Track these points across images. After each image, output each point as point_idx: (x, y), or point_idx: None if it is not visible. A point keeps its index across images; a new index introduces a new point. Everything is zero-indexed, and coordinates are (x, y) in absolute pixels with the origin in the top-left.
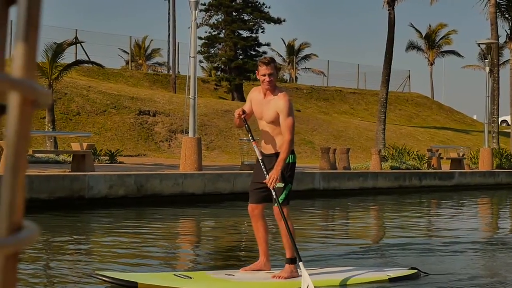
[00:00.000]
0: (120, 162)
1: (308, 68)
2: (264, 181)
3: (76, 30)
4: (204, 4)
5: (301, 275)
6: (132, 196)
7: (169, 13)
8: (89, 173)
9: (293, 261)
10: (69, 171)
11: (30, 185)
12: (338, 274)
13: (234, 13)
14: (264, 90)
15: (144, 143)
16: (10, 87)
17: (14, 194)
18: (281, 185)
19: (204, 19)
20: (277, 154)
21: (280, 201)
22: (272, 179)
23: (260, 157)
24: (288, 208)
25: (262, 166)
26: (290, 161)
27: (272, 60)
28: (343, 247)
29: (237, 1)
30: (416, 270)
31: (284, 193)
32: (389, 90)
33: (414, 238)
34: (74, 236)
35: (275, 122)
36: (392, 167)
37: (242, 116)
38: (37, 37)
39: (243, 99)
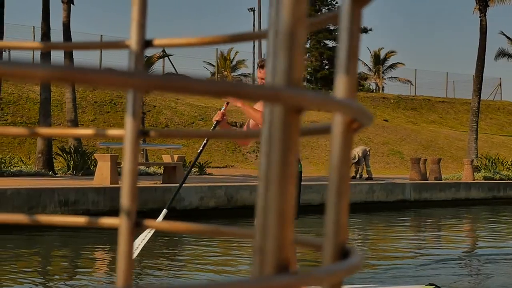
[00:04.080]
0: (209, 174)
1: (394, 77)
2: None
3: None
4: None
5: None
6: (223, 207)
7: (253, 25)
8: None
9: None
10: (160, 183)
11: None
12: None
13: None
14: None
15: (231, 154)
16: (336, 109)
17: (339, 218)
18: None
19: None
20: None
21: None
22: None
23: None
24: None
25: None
26: None
27: None
28: (392, 259)
29: (323, 11)
30: (433, 286)
31: None
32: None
33: (483, 253)
34: (166, 246)
35: None
36: (486, 178)
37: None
38: (356, 66)
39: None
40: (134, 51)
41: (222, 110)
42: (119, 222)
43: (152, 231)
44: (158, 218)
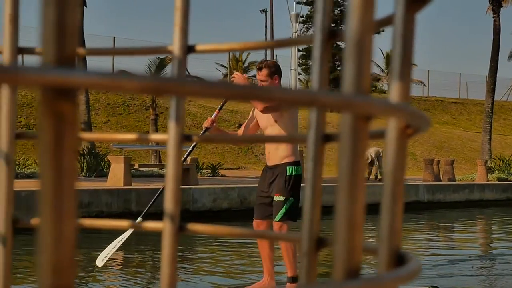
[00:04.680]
0: (222, 175)
1: None
2: (265, 192)
3: None
4: (302, 16)
5: None
6: (236, 209)
7: (266, 26)
8: (193, 186)
9: (294, 280)
10: None
11: (137, 198)
12: None
13: (332, 25)
14: None
15: (244, 156)
16: (390, 113)
17: (394, 222)
18: (281, 198)
19: (302, 31)
20: (280, 165)
21: (280, 215)
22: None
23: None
24: (288, 224)
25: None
26: (293, 173)
27: (265, 65)
28: None
29: (335, 12)
30: None
31: (284, 207)
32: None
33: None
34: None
35: (278, 121)
36: (499, 179)
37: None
38: (410, 73)
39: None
40: (177, 57)
41: (212, 117)
42: (163, 226)
43: (124, 240)
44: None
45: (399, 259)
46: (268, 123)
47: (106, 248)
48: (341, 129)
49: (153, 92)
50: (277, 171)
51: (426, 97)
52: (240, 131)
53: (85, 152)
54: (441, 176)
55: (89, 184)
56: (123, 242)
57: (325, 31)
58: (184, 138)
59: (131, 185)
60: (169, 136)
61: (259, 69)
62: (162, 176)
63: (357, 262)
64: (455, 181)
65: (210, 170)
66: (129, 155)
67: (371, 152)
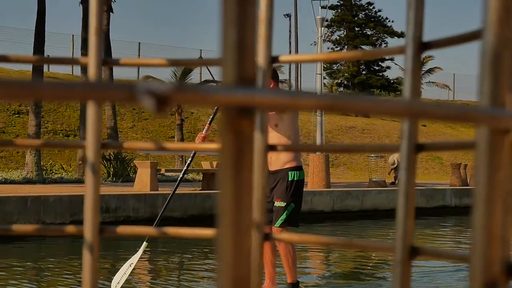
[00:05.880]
0: None
1: (432, 82)
2: (267, 198)
3: (201, 50)
4: (327, 21)
5: None
6: None
7: (290, 30)
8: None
9: (294, 286)
10: (200, 189)
11: (164, 203)
12: None
13: (356, 29)
14: None
15: None
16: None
17: (505, 232)
18: (282, 204)
19: (327, 35)
20: (282, 170)
21: (280, 221)
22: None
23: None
24: (287, 230)
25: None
26: (295, 179)
27: None
28: (431, 267)
29: (360, 16)
30: None
31: (285, 213)
32: None
33: None
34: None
35: (279, 125)
36: None
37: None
38: None
39: (367, 115)
40: (261, 67)
41: (203, 133)
42: None
43: (133, 265)
44: (139, 251)
45: (508, 269)
46: (268, 128)
47: (117, 274)
48: (478, 142)
49: (328, 109)
50: (279, 176)
51: (451, 100)
52: None
53: (112, 157)
54: (468, 180)
55: (116, 189)
56: (134, 267)
57: (417, 41)
58: (269, 148)
59: (157, 190)
60: (255, 146)
61: None
62: (188, 181)
63: (495, 274)
64: None
65: None
66: (156, 160)
67: (397, 156)
